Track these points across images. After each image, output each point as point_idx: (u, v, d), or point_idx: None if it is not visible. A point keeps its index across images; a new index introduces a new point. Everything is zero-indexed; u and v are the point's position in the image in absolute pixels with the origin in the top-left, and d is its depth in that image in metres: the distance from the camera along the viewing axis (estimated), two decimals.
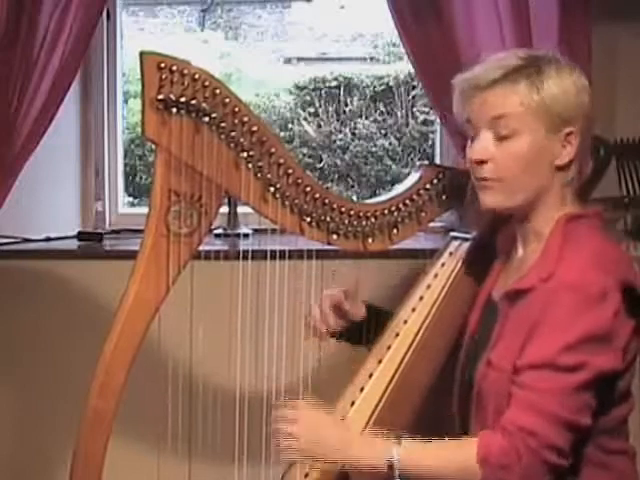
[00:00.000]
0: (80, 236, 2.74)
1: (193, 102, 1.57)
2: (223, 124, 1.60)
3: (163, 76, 1.55)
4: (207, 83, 1.58)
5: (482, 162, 1.59)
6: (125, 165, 2.99)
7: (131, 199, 3.17)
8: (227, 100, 1.59)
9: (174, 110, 1.57)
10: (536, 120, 1.54)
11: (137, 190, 3.30)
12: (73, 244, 2.71)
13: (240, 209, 2.64)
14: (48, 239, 2.69)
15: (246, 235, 2.70)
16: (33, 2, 2.45)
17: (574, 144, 1.55)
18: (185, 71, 1.56)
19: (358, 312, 1.87)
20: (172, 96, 1.56)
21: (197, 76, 1.57)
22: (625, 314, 1.48)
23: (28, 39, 2.46)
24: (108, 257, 2.67)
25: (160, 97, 1.55)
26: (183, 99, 1.56)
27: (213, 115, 1.59)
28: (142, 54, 1.55)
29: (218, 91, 1.59)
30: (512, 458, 1.44)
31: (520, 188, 1.57)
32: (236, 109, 1.60)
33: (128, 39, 3.04)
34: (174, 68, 1.55)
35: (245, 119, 1.61)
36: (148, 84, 1.55)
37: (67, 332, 2.64)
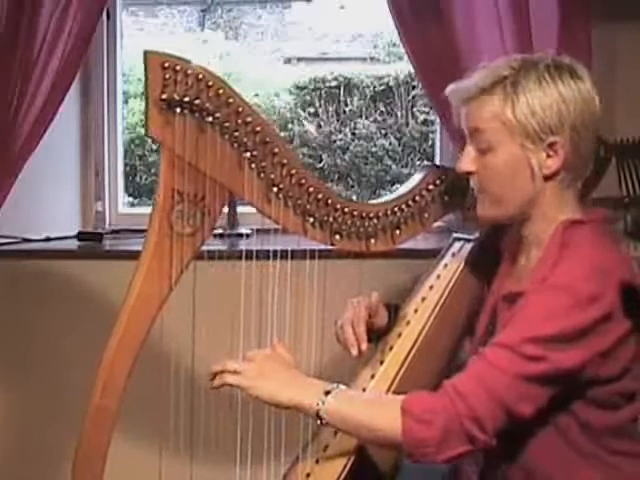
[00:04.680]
0: (80, 236, 2.74)
1: (197, 102, 1.56)
2: (227, 124, 1.59)
3: (167, 76, 1.54)
4: (211, 83, 1.57)
5: (469, 173, 1.60)
6: (125, 165, 3.00)
7: (131, 199, 3.16)
8: (231, 100, 1.59)
9: (178, 110, 1.56)
10: (511, 134, 1.52)
11: (137, 190, 3.29)
12: (73, 244, 2.72)
13: (242, 209, 2.63)
14: (48, 239, 2.69)
15: (247, 235, 2.70)
16: (33, 2, 2.46)
17: (560, 153, 1.52)
18: (189, 71, 1.55)
19: (382, 322, 1.88)
20: (176, 96, 1.55)
21: (201, 76, 1.56)
22: (619, 319, 1.46)
23: (28, 39, 2.46)
24: (108, 257, 2.67)
25: (164, 97, 1.54)
26: (187, 99, 1.55)
27: (217, 115, 1.58)
28: (146, 53, 1.54)
29: (222, 91, 1.58)
30: (436, 416, 1.42)
31: (505, 200, 1.57)
32: (240, 109, 1.60)
33: (128, 39, 3.04)
34: (178, 68, 1.54)
35: (249, 119, 1.61)
36: (152, 84, 1.54)
37: (67, 332, 2.64)
